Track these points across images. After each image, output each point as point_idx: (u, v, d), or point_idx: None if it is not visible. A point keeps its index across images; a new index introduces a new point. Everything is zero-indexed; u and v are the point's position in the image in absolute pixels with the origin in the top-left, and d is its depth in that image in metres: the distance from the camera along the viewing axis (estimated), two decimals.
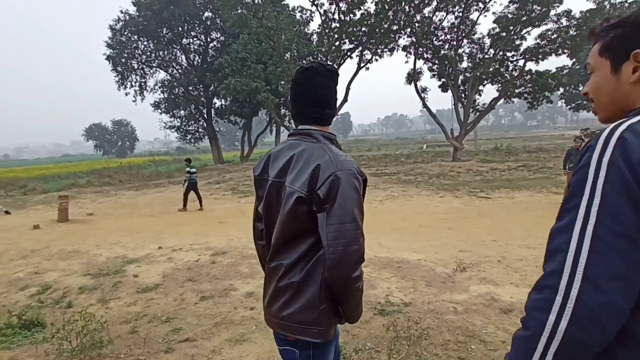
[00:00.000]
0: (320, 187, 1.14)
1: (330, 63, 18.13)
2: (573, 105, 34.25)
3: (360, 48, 21.99)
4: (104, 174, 23.02)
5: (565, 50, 18.10)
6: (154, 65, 28.59)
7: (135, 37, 26.78)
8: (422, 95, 21.06)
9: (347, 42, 21.78)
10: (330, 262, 1.11)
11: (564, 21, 17.81)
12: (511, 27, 18.35)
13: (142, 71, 28.58)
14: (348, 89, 22.26)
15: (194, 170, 10.38)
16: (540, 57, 18.67)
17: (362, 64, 22.50)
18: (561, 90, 22.53)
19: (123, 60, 27.08)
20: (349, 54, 22.43)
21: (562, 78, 18.97)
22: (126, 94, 28.59)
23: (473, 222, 6.98)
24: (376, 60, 22.89)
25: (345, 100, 21.94)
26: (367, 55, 22.52)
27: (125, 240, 6.81)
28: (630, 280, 0.65)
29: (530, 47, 18.80)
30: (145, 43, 27.47)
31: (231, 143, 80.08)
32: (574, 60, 20.04)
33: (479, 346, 2.78)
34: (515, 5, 18.25)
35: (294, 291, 1.21)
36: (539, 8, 17.58)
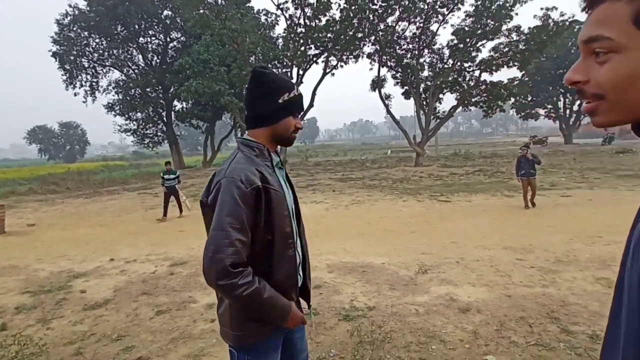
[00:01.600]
0: (211, 193, 1.23)
1: (296, 69, 18.13)
2: (523, 114, 36.55)
3: (325, 54, 22.17)
4: (49, 181, 21.19)
5: (516, 63, 19.26)
6: (107, 64, 27.12)
7: (86, 33, 25.29)
8: (386, 102, 21.56)
9: (313, 48, 21.89)
10: (203, 268, 1.15)
11: (514, 36, 18.97)
12: (468, 40, 19.28)
13: (93, 70, 27.05)
14: (314, 94, 22.33)
15: (174, 174, 9.60)
16: (493, 68, 19.72)
17: (327, 70, 22.67)
18: (512, 100, 23.93)
19: (72, 57, 25.45)
20: (314, 59, 22.53)
21: (513, 89, 20.13)
22: (75, 94, 26.90)
23: (434, 226, 7.17)
24: (341, 66, 23.18)
25: (311, 105, 21.98)
26: (333, 61, 22.75)
27: (72, 253, 6.32)
28: None
29: (484, 59, 19.83)
30: (97, 40, 26.03)
31: (193, 147, 77.64)
32: (523, 72, 21.35)
33: (439, 346, 2.84)
34: (471, 19, 19.22)
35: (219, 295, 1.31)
36: (492, 22, 18.62)
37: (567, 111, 35.59)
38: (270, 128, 1.33)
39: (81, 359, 2.84)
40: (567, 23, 18.74)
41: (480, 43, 19.56)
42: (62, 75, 25.91)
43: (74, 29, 24.94)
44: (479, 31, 18.92)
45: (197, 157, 45.52)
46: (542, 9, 20.15)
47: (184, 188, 15.10)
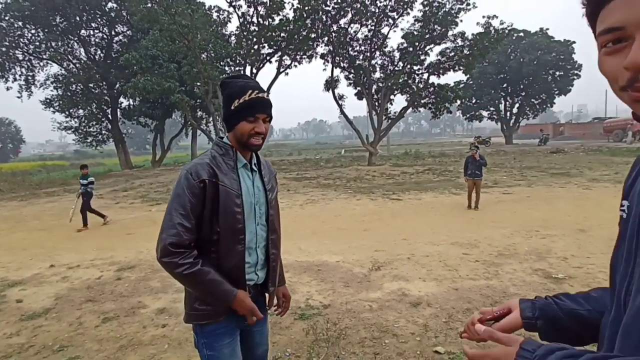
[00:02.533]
0: None
1: (249, 67, 17.87)
2: (468, 115, 38.84)
3: (279, 53, 22.07)
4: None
5: (461, 67, 20.49)
6: (44, 57, 24.96)
7: (20, 23, 23.13)
8: (340, 102, 21.94)
9: (267, 47, 21.69)
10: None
11: (459, 41, 20.17)
12: (417, 43, 20.18)
13: (29, 63, 24.81)
14: (268, 93, 22.00)
15: (90, 179, 8.54)
16: (441, 71, 20.81)
17: (281, 69, 22.58)
18: (458, 102, 25.38)
19: (3, 49, 23.21)
20: (268, 58, 22.35)
21: (458, 91, 21.35)
22: (7, 89, 24.53)
23: (387, 223, 7.46)
24: (295, 66, 23.20)
25: None
26: (287, 60, 22.70)
27: (6, 260, 5.80)
28: None
29: (432, 63, 20.87)
30: (33, 31, 23.88)
31: (141, 146, 73.70)
32: (468, 76, 22.71)
33: (391, 340, 2.97)
34: (419, 23, 20.14)
35: None
36: (439, 28, 19.65)
37: (508, 113, 38.35)
38: (232, 133, 1.43)
39: None
40: (507, 31, 20.25)
41: (428, 47, 20.56)
42: None
43: (6, 18, 22.70)
44: (427, 36, 19.89)
45: (145, 156, 43.29)
46: (484, 17, 21.60)
47: (131, 189, 14.34)
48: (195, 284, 1.33)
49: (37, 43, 24.46)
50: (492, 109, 38.28)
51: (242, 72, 22.48)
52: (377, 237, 6.35)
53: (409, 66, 21.01)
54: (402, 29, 20.96)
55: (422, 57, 20.80)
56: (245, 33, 21.03)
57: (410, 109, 22.07)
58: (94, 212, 8.50)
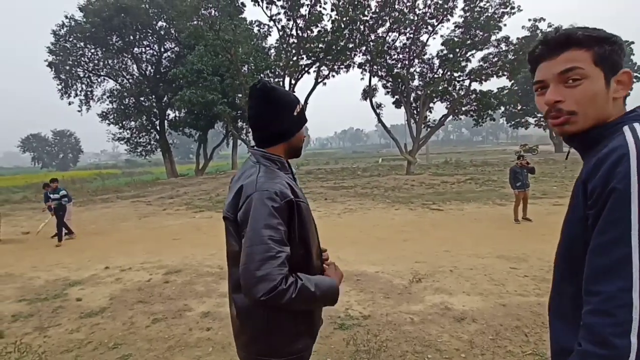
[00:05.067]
0: (240, 209, 1.15)
1: (288, 78, 18.27)
2: (513, 122, 37.19)
3: (317, 64, 22.45)
4: (43, 189, 21.07)
5: (505, 73, 19.72)
6: (101, 73, 27.16)
7: (82, 44, 25.38)
8: (377, 110, 21.83)
9: (305, 58, 22.17)
10: (246, 285, 1.07)
11: (503, 46, 19.47)
12: (457, 50, 19.70)
13: (88, 79, 27.06)
14: (306, 103, 22.55)
15: (62, 192, 8.19)
16: (483, 78, 20.15)
17: (319, 80, 22.94)
18: (502, 108, 24.38)
19: (67, 67, 25.52)
20: (306, 69, 22.80)
21: (502, 98, 20.56)
22: (69, 104, 26.86)
23: (427, 234, 7.26)
24: (333, 76, 23.50)
25: None
26: (325, 71, 23.06)
27: (67, 261, 6.30)
28: None
29: (474, 69, 20.26)
30: (92, 50, 26.09)
31: (185, 156, 77.49)
32: (512, 81, 21.80)
33: (434, 355, 2.87)
34: (460, 29, 19.69)
35: (238, 319, 1.24)
36: (481, 33, 19.09)
37: None
38: (287, 143, 1.32)
39: None
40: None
41: (469, 53, 19.99)
42: (57, 84, 25.92)
43: (70, 39, 25.02)
44: (468, 42, 19.37)
45: (189, 165, 45.34)
46: (530, 20, 20.74)
47: (177, 196, 15.08)
48: (305, 297, 1.10)
49: (96, 61, 26.71)
50: (539, 115, 36.38)
51: (281, 83, 23.10)
52: (417, 248, 6.20)
53: (449, 73, 20.54)
54: (441, 36, 20.69)
55: (463, 64, 20.25)
56: (284, 45, 21.66)
57: (451, 116, 21.53)
58: (64, 227, 8.10)
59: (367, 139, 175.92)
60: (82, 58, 26.14)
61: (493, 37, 19.17)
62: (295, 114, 1.31)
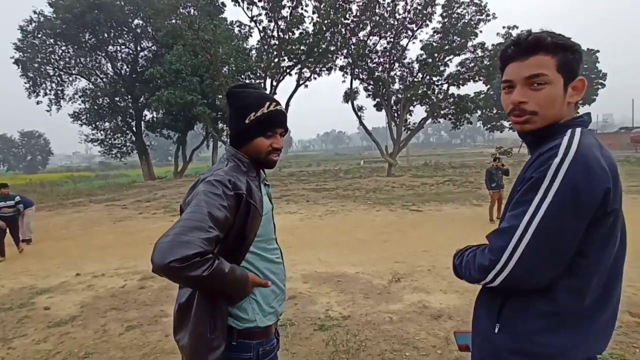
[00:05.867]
0: (189, 195, 1.17)
1: (269, 80, 18.21)
2: (489, 126, 38.18)
3: (299, 66, 22.43)
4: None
5: (481, 77, 20.27)
6: (73, 72, 26.12)
7: (51, 40, 24.34)
8: (359, 113, 22.03)
9: (286, 60, 22.11)
10: (159, 247, 1.00)
11: (479, 52, 20.02)
12: (436, 55, 20.14)
13: (58, 78, 25.97)
14: (287, 105, 22.49)
15: (17, 198, 7.38)
16: (461, 82, 20.66)
17: (301, 82, 22.93)
18: (479, 112, 25.00)
19: (35, 65, 24.44)
20: (288, 71, 22.76)
21: (479, 102, 21.11)
22: (38, 103, 25.73)
23: (407, 235, 7.35)
24: (315, 78, 23.54)
25: None
26: (306, 73, 23.08)
27: (35, 268, 6.02)
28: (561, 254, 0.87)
29: (452, 73, 20.74)
30: (63, 48, 25.10)
31: (164, 158, 75.88)
32: (488, 86, 22.46)
33: (412, 352, 2.91)
34: (439, 35, 20.14)
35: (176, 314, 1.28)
36: (458, 39, 19.58)
37: None
38: (244, 149, 1.28)
39: None
40: None
41: (447, 58, 20.47)
42: (25, 83, 24.81)
43: (39, 35, 24.00)
44: (447, 47, 19.83)
45: (167, 167, 44.39)
46: (504, 27, 21.44)
47: (154, 199, 14.70)
48: (217, 278, 1.03)
49: (67, 59, 25.66)
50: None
51: (262, 84, 22.94)
52: (397, 248, 6.27)
53: (428, 77, 20.96)
54: (421, 41, 21.04)
55: (442, 68, 20.72)
56: (265, 47, 21.56)
57: (430, 119, 21.97)
58: (13, 236, 7.23)
59: (349, 141, 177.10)
60: (52, 55, 25.07)
61: (470, 43, 19.72)
62: (247, 121, 1.25)
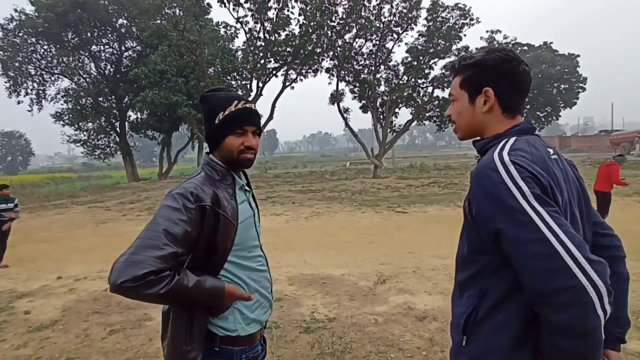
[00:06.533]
0: None
1: (255, 81, 18.11)
2: None
3: (285, 67, 22.42)
4: None
5: None
6: (55, 71, 25.57)
7: (33, 39, 23.80)
8: (345, 115, 22.15)
9: (273, 61, 22.07)
10: (114, 266, 1.01)
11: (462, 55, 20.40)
12: (421, 57, 20.45)
13: (40, 77, 25.39)
14: (274, 107, 22.47)
15: (16, 201, 7.04)
16: (445, 85, 21.00)
17: (287, 83, 22.92)
18: None
19: (16, 64, 23.87)
20: (274, 72, 22.70)
21: None
22: (18, 102, 25.11)
23: (392, 236, 7.44)
24: (301, 80, 23.54)
25: (270, 117, 22.05)
26: (292, 74, 23.06)
27: (14, 271, 5.87)
28: None
29: (437, 76, 21.09)
30: (45, 47, 24.54)
31: (148, 159, 74.68)
32: None
33: (397, 354, 2.94)
34: (424, 38, 20.46)
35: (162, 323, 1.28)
36: (443, 42, 19.95)
37: None
38: (217, 152, 1.29)
39: None
40: (510, 45, 20.49)
41: (432, 61, 20.82)
42: (5, 82, 24.21)
43: (20, 34, 23.44)
44: (431, 50, 20.17)
45: (152, 169, 43.71)
46: (487, 31, 21.92)
47: (138, 201, 14.47)
48: (179, 293, 1.05)
49: (49, 58, 25.12)
50: None
51: (248, 86, 22.84)
52: (382, 250, 6.33)
53: (413, 80, 21.24)
54: (406, 44, 21.31)
55: (427, 71, 21.04)
56: (252, 48, 21.47)
57: (415, 122, 22.23)
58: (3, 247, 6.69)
59: (336, 142, 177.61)
60: (34, 55, 24.52)
61: (454, 47, 20.12)
62: (216, 121, 1.26)
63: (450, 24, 19.55)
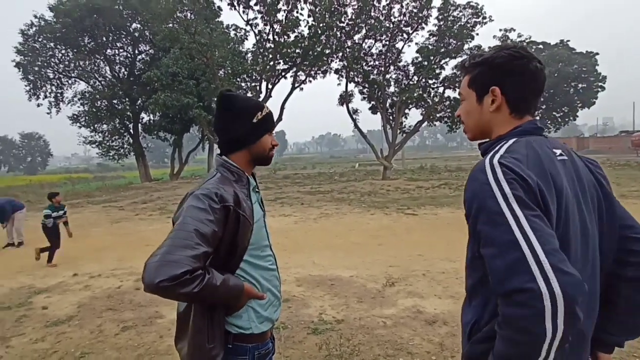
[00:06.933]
0: (179, 209, 1.19)
1: (265, 83, 18.19)
2: None
3: (294, 69, 22.51)
4: (8, 194, 20.02)
5: None
6: (72, 75, 26.27)
7: (52, 44, 24.50)
8: (354, 116, 22.09)
9: (282, 63, 22.18)
10: (148, 265, 1.02)
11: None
12: (431, 57, 20.26)
13: (58, 81, 26.12)
14: (283, 108, 22.58)
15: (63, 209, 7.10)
16: (456, 85, 20.76)
17: (296, 85, 23.01)
18: None
19: (36, 68, 24.59)
20: (283, 74, 22.82)
21: None
22: (38, 105, 25.83)
23: (401, 238, 7.40)
24: (310, 81, 23.60)
25: (279, 119, 22.15)
26: (301, 76, 23.14)
27: (33, 268, 6.05)
28: None
29: (448, 76, 20.87)
30: (63, 51, 25.20)
31: (160, 160, 75.66)
32: None
33: (406, 358, 2.93)
34: (434, 38, 20.28)
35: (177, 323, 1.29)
36: (454, 42, 19.73)
37: None
38: (247, 150, 1.34)
39: None
40: (525, 44, 20.15)
41: (443, 61, 20.59)
42: (26, 85, 24.93)
43: (39, 39, 24.17)
44: (442, 50, 19.96)
45: (163, 169, 44.28)
46: (500, 30, 21.58)
47: (150, 201, 14.70)
48: (209, 291, 1.07)
49: (67, 62, 25.83)
50: None
51: (258, 87, 23.02)
52: (391, 252, 6.31)
53: (424, 80, 21.07)
54: (416, 44, 21.13)
55: (438, 71, 20.83)
56: (261, 50, 21.63)
57: (426, 122, 22.04)
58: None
59: (345, 143, 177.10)
60: (52, 59, 25.24)
61: (466, 46, 19.84)
62: (254, 120, 1.32)
63: (462, 23, 19.30)
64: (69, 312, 4.07)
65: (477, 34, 19.65)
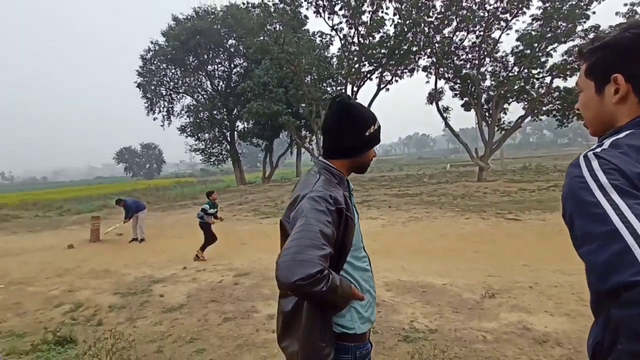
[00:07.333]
0: (294, 209, 1.19)
1: (350, 86, 18.33)
2: None
3: (380, 70, 22.24)
4: (133, 196, 23.71)
5: None
6: (180, 91, 30.03)
7: (164, 65, 28.30)
8: (444, 114, 20.91)
9: (367, 64, 22.07)
10: (280, 268, 1.03)
11: (592, 37, 17.40)
12: (535, 45, 18.06)
13: (169, 97, 30.06)
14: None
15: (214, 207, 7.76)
16: (568, 73, 18.19)
17: (382, 86, 22.69)
18: None
19: (152, 87, 28.60)
20: (368, 75, 22.69)
21: None
22: (154, 119, 30.00)
23: (501, 246, 6.74)
24: (396, 81, 23.04)
25: None
26: (387, 76, 22.73)
27: (152, 260, 6.98)
28: None
29: (557, 64, 18.34)
30: (172, 70, 28.93)
31: (253, 164, 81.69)
32: None
33: None
34: (539, 22, 18.05)
35: (282, 323, 1.29)
36: (564, 24, 17.29)
37: None
38: (352, 160, 1.36)
39: (161, 357, 3.14)
40: None
41: (550, 47, 18.19)
42: (145, 103, 29.15)
43: (155, 62, 28.13)
44: (549, 35, 17.63)
45: (256, 173, 47.65)
46: (626, 4, 18.21)
47: (245, 203, 15.91)
48: (332, 291, 1.08)
49: (176, 80, 29.65)
50: None
51: (343, 90, 23.28)
52: (490, 260, 5.78)
53: (526, 70, 18.91)
54: (516, 31, 19.05)
55: (543, 59, 18.49)
56: (346, 53, 21.83)
57: (529, 117, 19.80)
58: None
59: (434, 144, 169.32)
60: (165, 78, 29.19)
61: (579, 28, 17.24)
62: (367, 133, 1.32)
63: (574, 2, 16.85)
64: (180, 301, 4.57)
65: (594, 13, 16.95)
